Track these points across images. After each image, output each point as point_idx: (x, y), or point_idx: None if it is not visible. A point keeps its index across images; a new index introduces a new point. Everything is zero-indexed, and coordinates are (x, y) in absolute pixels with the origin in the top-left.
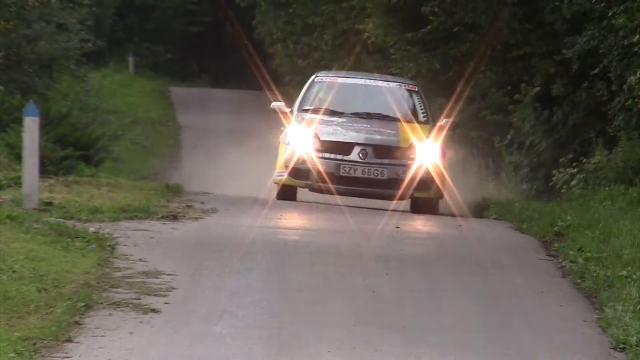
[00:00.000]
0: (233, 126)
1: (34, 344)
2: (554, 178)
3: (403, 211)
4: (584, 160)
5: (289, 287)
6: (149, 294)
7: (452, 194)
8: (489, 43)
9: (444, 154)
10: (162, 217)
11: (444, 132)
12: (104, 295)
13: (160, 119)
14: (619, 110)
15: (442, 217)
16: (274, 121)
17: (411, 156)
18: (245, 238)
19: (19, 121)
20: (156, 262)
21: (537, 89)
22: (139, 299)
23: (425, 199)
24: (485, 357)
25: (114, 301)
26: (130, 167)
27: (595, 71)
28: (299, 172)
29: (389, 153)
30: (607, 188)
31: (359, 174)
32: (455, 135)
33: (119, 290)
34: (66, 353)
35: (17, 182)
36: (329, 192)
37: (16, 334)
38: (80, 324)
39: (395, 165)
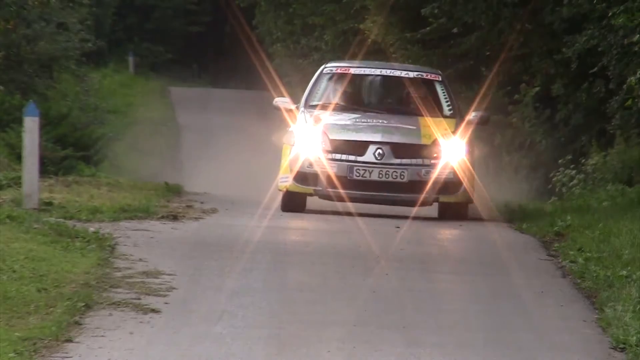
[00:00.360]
0: (233, 126)
1: (34, 344)
2: (553, 179)
3: (426, 218)
4: (583, 161)
5: (289, 287)
6: (149, 294)
7: (483, 198)
8: (489, 43)
9: (472, 152)
10: (162, 217)
11: (472, 127)
12: (104, 295)
13: (160, 119)
14: (617, 109)
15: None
16: (275, 121)
17: (435, 155)
18: (245, 238)
19: (19, 121)
20: (156, 262)
21: (537, 88)
22: (139, 299)
23: (452, 204)
24: (485, 357)
25: (114, 301)
26: (130, 167)
27: (595, 69)
28: (306, 176)
29: (410, 152)
30: (606, 188)
31: (374, 176)
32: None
33: (119, 290)
34: (66, 353)
35: (17, 182)
36: (340, 198)
37: (16, 334)
38: (80, 324)
39: (416, 165)
